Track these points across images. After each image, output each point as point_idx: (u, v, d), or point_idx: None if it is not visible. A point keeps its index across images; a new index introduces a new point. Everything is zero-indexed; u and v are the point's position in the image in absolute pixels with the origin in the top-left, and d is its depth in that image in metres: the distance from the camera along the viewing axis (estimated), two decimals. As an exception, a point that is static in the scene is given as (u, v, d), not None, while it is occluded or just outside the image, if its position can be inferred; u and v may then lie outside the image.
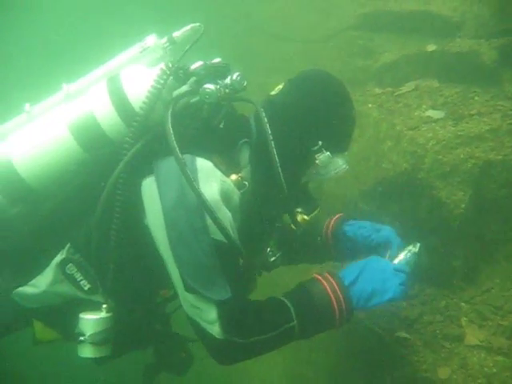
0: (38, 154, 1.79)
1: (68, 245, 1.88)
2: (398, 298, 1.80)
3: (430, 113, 2.89)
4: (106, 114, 1.75)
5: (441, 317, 2.56)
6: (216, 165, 1.74)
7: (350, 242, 2.28)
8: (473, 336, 2.37)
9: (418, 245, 2.00)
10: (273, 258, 2.12)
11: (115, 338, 1.93)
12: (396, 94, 3.34)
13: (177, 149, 1.62)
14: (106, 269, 1.85)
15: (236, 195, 1.76)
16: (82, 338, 1.86)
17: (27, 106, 1.97)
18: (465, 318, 2.48)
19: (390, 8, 4.02)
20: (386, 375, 2.54)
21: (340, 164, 1.94)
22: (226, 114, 1.87)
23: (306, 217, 2.00)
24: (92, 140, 1.77)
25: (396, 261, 1.96)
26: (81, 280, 1.90)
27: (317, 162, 1.86)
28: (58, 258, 1.87)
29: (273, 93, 1.97)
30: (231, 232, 1.65)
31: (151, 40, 1.97)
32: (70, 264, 1.88)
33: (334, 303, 1.75)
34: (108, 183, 1.75)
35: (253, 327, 1.69)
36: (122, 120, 1.74)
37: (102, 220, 1.79)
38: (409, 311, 2.63)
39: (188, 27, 2.01)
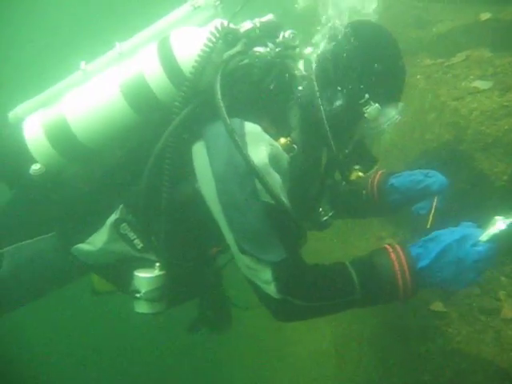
0: (90, 113, 1.84)
1: (121, 205, 1.97)
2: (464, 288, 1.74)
3: (477, 83, 2.81)
4: (155, 77, 1.77)
5: (479, 290, 2.52)
6: (265, 129, 1.74)
7: (397, 193, 2.27)
8: (509, 310, 2.33)
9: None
10: (325, 218, 2.12)
11: (169, 293, 2.02)
12: (446, 64, 3.25)
13: (225, 113, 1.63)
14: (159, 229, 1.93)
15: (285, 159, 1.76)
16: (137, 295, 1.96)
17: (82, 63, 2.00)
18: (503, 292, 2.44)
19: (445, -24, 3.89)
20: (421, 346, 2.55)
21: (392, 115, 1.86)
22: (278, 75, 1.85)
23: (361, 173, 1.95)
24: (142, 102, 1.80)
25: (485, 236, 1.67)
26: (134, 239, 1.98)
27: (366, 115, 1.80)
28: (112, 217, 1.96)
29: (319, 51, 1.92)
30: (281, 195, 1.66)
31: None
32: (124, 224, 1.97)
33: (400, 283, 1.68)
34: (157, 146, 1.81)
35: (311, 291, 1.69)
36: (171, 83, 1.76)
37: (150, 182, 1.86)
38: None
39: None
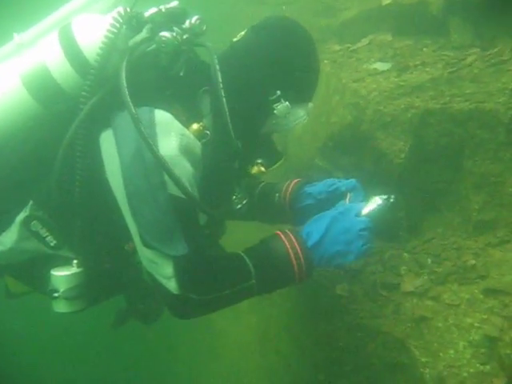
0: None
1: (31, 202, 1.88)
2: (360, 258, 1.80)
3: (377, 65, 2.87)
4: (59, 66, 1.70)
5: (382, 267, 2.58)
6: (176, 116, 1.69)
7: (310, 198, 2.25)
8: (409, 284, 2.39)
9: (393, 197, 1.89)
10: (239, 206, 2.06)
11: (89, 290, 1.95)
12: (351, 49, 3.31)
13: (130, 103, 1.58)
14: (72, 224, 1.84)
15: (197, 147, 1.72)
16: (55, 295, 1.87)
17: None
18: (404, 267, 2.50)
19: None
20: (329, 325, 2.58)
21: (300, 115, 1.89)
22: (187, 61, 1.81)
23: (262, 168, 1.95)
24: (47, 93, 1.73)
25: (366, 210, 1.84)
26: (46, 236, 1.90)
27: (275, 111, 1.81)
28: (22, 215, 1.88)
29: (235, 39, 1.90)
30: (189, 187, 1.62)
31: None
32: (35, 221, 1.88)
33: (294, 263, 1.72)
34: (65, 138, 1.73)
35: (210, 284, 1.69)
36: (76, 72, 1.70)
37: (62, 176, 1.78)
38: (354, 262, 2.65)
39: None
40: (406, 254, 2.60)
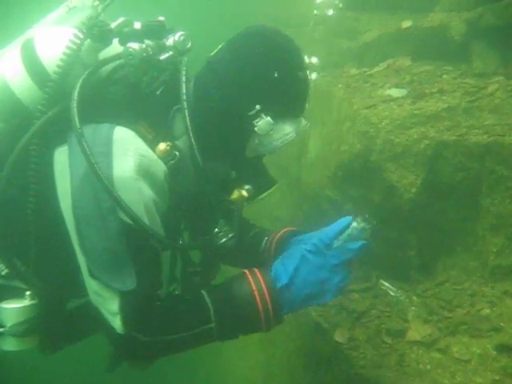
0: None
1: None
2: (339, 295, 1.62)
3: (392, 91, 2.69)
4: (18, 79, 1.60)
5: (390, 311, 2.37)
6: (141, 133, 1.56)
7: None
8: (416, 331, 2.19)
9: (374, 222, 1.65)
10: (223, 240, 1.77)
11: (47, 327, 1.78)
12: (367, 73, 3.14)
13: (76, 117, 1.46)
14: (27, 252, 1.69)
15: (160, 171, 1.56)
16: (1, 330, 1.69)
17: None
18: (412, 312, 2.29)
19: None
20: (328, 373, 2.39)
21: (286, 132, 1.63)
22: (166, 80, 1.67)
23: (244, 193, 1.70)
24: (5, 107, 1.63)
25: (338, 243, 1.62)
26: None
27: (256, 129, 1.58)
28: None
29: (212, 53, 1.73)
30: (144, 213, 1.47)
31: None
32: None
33: (260, 308, 1.54)
34: (12, 154, 1.59)
35: (160, 324, 1.53)
36: (36, 85, 1.60)
37: (9, 196, 1.64)
38: (359, 303, 2.47)
39: None
40: (415, 298, 2.40)
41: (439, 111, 2.42)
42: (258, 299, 1.54)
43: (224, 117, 1.62)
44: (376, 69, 3.14)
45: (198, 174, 1.67)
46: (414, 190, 2.36)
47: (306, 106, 1.73)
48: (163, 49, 1.64)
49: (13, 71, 1.61)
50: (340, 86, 3.12)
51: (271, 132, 1.60)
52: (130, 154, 1.49)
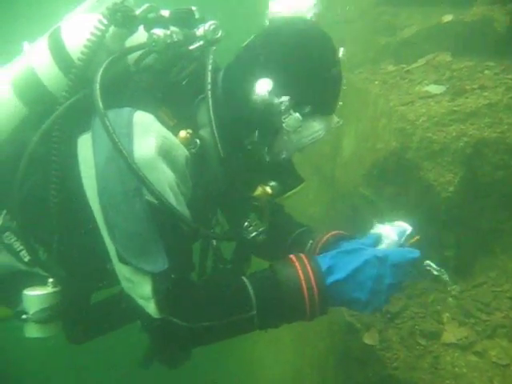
0: None
1: (4, 211, 1.74)
2: (375, 313, 1.63)
3: (430, 88, 2.62)
4: (44, 66, 1.61)
5: (424, 312, 2.32)
6: (162, 119, 1.53)
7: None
8: (451, 333, 2.14)
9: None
10: (253, 234, 1.71)
11: (71, 315, 1.77)
12: (405, 69, 3.07)
13: (99, 101, 1.43)
14: (50, 239, 1.68)
15: (182, 155, 1.52)
16: (24, 317, 1.69)
17: None
18: (447, 314, 2.23)
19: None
20: (360, 373, 2.36)
21: (316, 129, 1.58)
22: (196, 69, 1.64)
23: (268, 189, 1.65)
24: (32, 94, 1.64)
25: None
26: (20, 250, 1.74)
27: (284, 125, 1.52)
28: None
29: (243, 44, 1.67)
30: (170, 192, 1.44)
31: None
32: (8, 232, 1.74)
33: (307, 299, 1.47)
34: (33, 140, 1.59)
35: (197, 308, 1.47)
36: (61, 72, 1.61)
37: (33, 182, 1.65)
38: (393, 304, 2.41)
39: None
40: (450, 299, 2.34)
41: (479, 108, 2.34)
42: (304, 289, 1.47)
43: (252, 110, 1.55)
44: (414, 65, 3.06)
45: (220, 166, 1.64)
46: (451, 188, 2.30)
47: (338, 103, 1.68)
48: (193, 38, 1.62)
49: (40, 58, 1.63)
50: (376, 82, 3.06)
51: (300, 129, 1.54)
52: (151, 134, 1.46)
